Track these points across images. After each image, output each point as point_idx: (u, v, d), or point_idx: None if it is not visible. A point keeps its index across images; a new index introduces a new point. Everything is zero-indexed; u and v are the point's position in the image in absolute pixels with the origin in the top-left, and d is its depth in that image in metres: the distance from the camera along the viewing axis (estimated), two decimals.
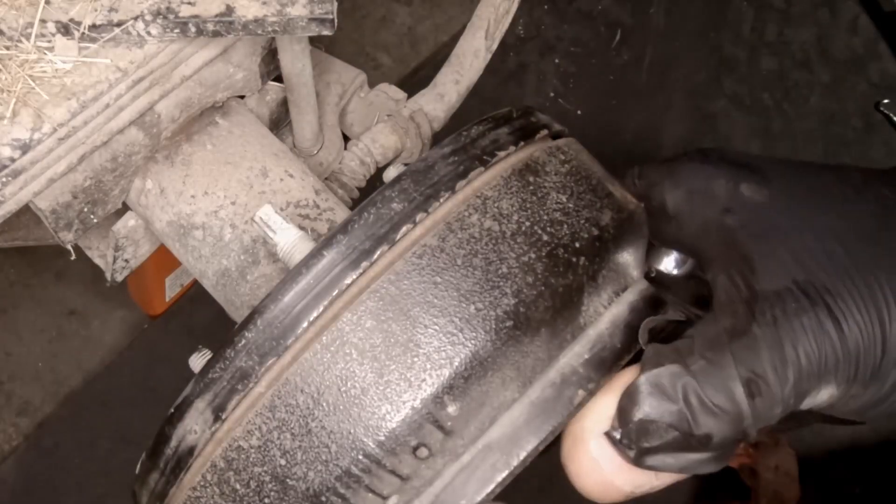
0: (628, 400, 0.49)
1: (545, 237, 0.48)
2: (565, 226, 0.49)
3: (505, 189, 0.49)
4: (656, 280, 0.60)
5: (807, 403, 0.50)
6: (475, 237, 0.47)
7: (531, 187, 0.49)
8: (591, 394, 0.49)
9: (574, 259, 0.49)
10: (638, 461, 0.49)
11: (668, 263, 0.59)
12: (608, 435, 0.50)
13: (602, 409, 0.51)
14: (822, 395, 0.50)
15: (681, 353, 0.50)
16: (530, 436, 0.47)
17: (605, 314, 0.50)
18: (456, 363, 0.45)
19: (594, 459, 0.50)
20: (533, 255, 0.48)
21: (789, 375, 0.49)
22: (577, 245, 0.49)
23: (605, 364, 0.49)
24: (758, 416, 0.49)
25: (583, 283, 0.49)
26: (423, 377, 0.45)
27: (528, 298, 0.47)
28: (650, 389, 0.49)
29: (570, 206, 0.50)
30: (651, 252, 0.59)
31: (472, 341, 0.45)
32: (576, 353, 0.49)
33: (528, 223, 0.48)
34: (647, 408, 0.49)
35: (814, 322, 0.50)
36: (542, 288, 0.47)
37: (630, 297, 0.52)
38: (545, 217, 0.49)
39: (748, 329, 0.50)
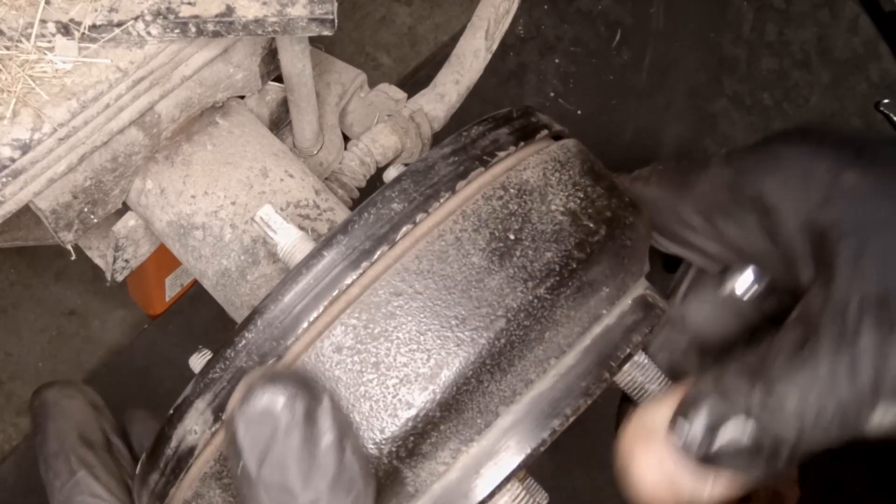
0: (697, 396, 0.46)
1: None
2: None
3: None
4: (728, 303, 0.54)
5: (874, 428, 0.44)
6: None
7: None
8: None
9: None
10: (706, 457, 0.45)
11: (744, 283, 0.53)
12: (679, 423, 0.46)
13: (666, 411, 0.47)
14: (889, 416, 0.44)
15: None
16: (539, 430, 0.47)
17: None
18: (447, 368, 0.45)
19: (663, 453, 0.46)
20: None
21: (827, 409, 0.44)
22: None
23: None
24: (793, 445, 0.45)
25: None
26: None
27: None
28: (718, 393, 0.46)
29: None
30: (723, 273, 0.53)
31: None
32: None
33: None
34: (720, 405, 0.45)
35: (873, 341, 0.43)
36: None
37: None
38: None
39: (798, 351, 0.45)
